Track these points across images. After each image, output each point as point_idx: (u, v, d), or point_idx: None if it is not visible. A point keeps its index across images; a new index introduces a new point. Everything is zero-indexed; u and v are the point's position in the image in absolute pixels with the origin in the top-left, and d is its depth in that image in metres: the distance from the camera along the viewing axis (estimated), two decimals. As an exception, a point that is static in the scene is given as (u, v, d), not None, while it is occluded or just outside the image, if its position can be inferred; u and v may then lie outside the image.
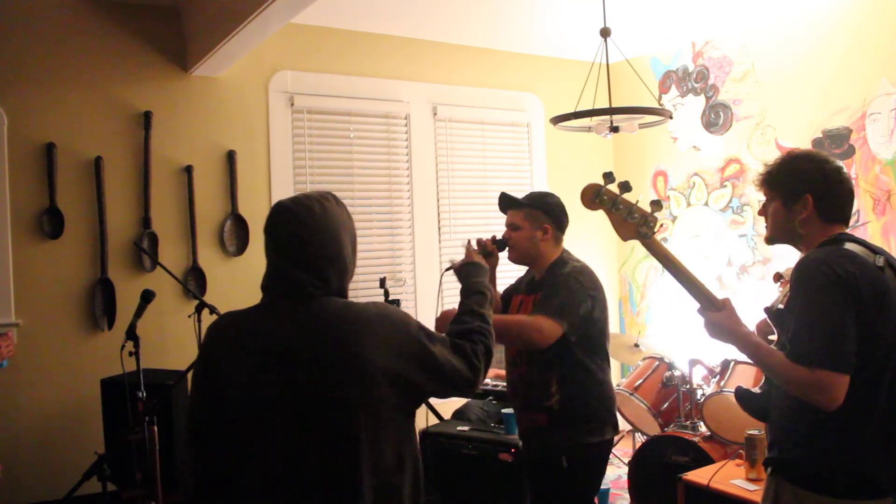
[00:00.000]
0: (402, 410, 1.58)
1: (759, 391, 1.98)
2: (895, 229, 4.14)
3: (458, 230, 5.03)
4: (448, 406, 4.34)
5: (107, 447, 3.41)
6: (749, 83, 4.87)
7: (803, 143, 4.53)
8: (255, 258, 4.31)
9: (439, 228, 4.99)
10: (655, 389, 4.05)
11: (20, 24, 3.79)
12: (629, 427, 4.51)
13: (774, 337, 1.98)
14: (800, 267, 1.79)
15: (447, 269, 2.40)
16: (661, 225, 1.80)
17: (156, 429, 2.95)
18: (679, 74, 5.33)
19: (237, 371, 1.54)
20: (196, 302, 3.56)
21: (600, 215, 1.95)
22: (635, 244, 5.63)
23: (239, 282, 4.21)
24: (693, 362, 3.97)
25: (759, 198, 3.93)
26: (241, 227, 4.31)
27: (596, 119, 3.84)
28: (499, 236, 2.77)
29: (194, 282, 4.16)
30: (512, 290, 2.86)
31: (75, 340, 3.90)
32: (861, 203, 4.27)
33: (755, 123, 4.84)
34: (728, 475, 3.12)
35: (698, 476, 3.18)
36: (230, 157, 4.28)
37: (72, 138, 3.89)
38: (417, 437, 1.68)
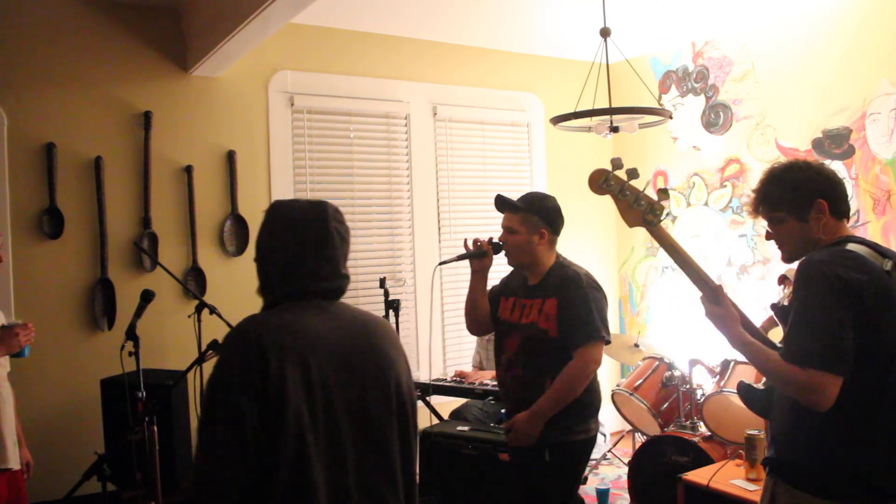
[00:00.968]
0: None
1: (762, 387, 1.97)
2: (895, 229, 4.14)
3: (457, 230, 5.03)
4: (448, 406, 4.34)
5: (107, 447, 3.41)
6: (749, 83, 4.87)
7: (803, 143, 4.53)
8: (255, 258, 4.31)
9: (439, 228, 4.99)
10: (655, 389, 4.05)
11: (20, 24, 3.79)
12: (629, 427, 4.51)
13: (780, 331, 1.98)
14: (802, 267, 1.78)
15: (440, 264, 2.65)
16: (668, 213, 1.81)
17: (156, 429, 2.95)
18: (679, 74, 5.33)
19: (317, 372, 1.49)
20: (196, 302, 3.56)
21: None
22: (635, 244, 5.63)
23: (239, 282, 4.20)
24: (693, 362, 3.97)
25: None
26: (241, 227, 4.31)
27: (596, 119, 3.84)
28: (496, 238, 2.77)
29: (194, 282, 4.16)
30: (499, 292, 2.85)
31: (75, 340, 3.90)
32: (861, 203, 4.27)
33: (755, 123, 4.84)
34: (728, 475, 3.13)
35: (698, 476, 3.18)
36: (230, 157, 4.28)
37: (72, 138, 3.89)
38: None
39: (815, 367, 1.66)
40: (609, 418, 5.38)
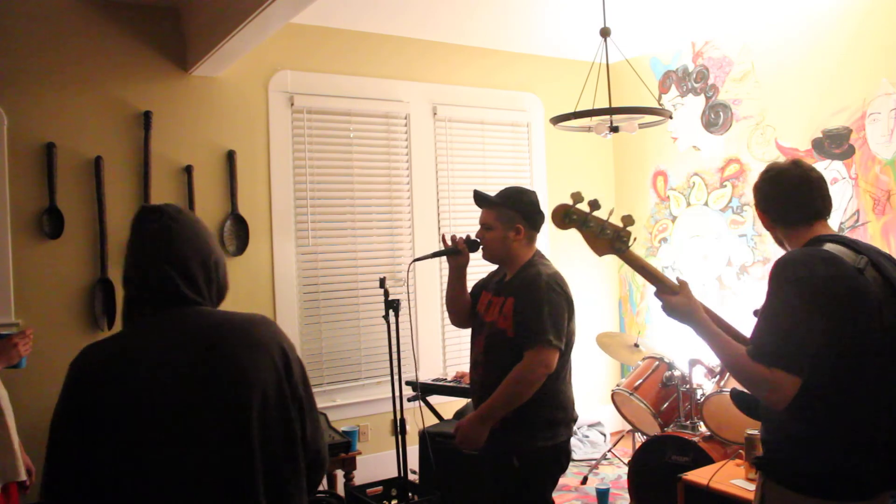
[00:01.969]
0: None
1: None
2: (895, 229, 4.15)
3: (457, 230, 5.02)
4: (448, 406, 4.35)
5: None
6: (749, 83, 4.87)
7: (803, 143, 4.54)
8: (256, 258, 4.32)
9: (439, 228, 4.99)
10: (655, 389, 4.06)
11: (20, 24, 3.79)
12: (629, 427, 4.51)
13: None
14: (774, 266, 1.80)
15: (415, 261, 2.82)
16: (635, 239, 1.81)
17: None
18: (679, 74, 5.33)
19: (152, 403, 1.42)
20: (196, 302, 3.56)
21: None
22: (635, 245, 5.63)
23: (239, 282, 4.20)
24: (693, 362, 3.97)
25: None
26: (240, 226, 4.31)
27: (596, 119, 3.84)
28: (473, 236, 2.75)
29: (194, 282, 4.15)
30: (482, 286, 2.80)
31: (75, 340, 3.89)
32: (861, 203, 4.27)
33: (755, 123, 4.84)
34: (728, 475, 3.13)
35: (698, 476, 3.18)
36: (230, 156, 4.28)
37: (72, 138, 3.89)
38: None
39: (779, 367, 1.69)
40: (609, 418, 5.39)
